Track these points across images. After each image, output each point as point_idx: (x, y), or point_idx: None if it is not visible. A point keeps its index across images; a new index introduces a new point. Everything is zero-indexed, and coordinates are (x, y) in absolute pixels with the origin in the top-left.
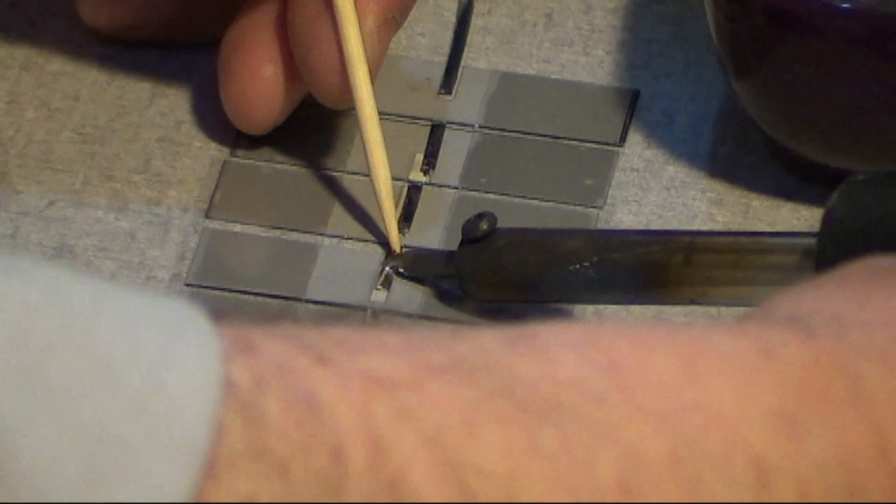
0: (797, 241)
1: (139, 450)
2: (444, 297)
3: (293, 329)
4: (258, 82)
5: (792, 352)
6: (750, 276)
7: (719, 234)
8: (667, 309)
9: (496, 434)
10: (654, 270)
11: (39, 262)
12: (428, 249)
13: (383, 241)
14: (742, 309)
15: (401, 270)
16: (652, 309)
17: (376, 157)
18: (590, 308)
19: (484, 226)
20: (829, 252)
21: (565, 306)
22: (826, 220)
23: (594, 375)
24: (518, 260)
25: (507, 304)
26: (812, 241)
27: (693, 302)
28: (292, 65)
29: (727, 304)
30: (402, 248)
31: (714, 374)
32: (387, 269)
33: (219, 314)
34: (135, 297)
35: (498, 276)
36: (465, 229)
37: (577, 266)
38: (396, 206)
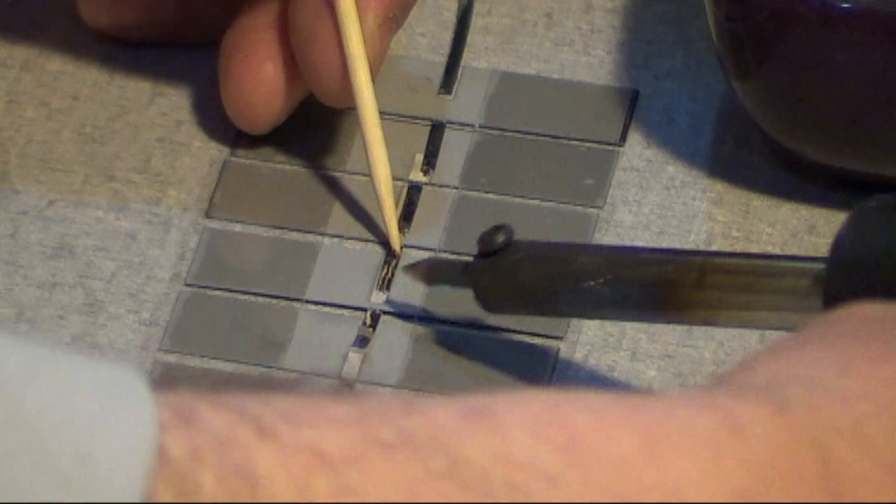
0: (807, 265)
1: None
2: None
3: (239, 399)
4: (258, 82)
5: (761, 428)
6: (760, 299)
7: (731, 255)
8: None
9: None
10: (666, 290)
11: None
12: (445, 259)
13: (383, 241)
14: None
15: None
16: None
17: (376, 156)
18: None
19: (500, 238)
20: (837, 279)
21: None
22: (835, 247)
23: (549, 455)
24: (533, 275)
25: (523, 315)
26: (822, 266)
27: (705, 323)
28: (293, 64)
29: (737, 327)
30: (401, 247)
31: (677, 452)
32: (388, 269)
33: (165, 382)
34: (71, 364)
35: (513, 290)
36: (481, 241)
37: (591, 283)
38: (396, 205)
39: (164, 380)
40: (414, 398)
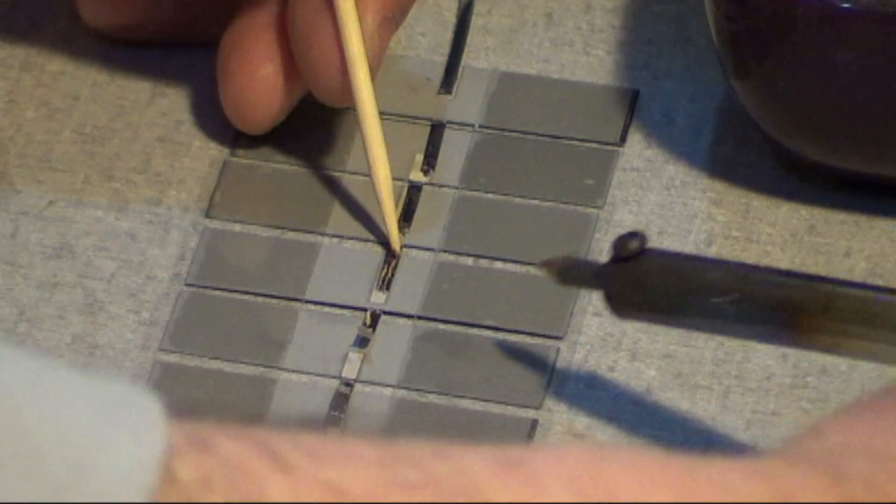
0: None
1: None
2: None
3: (260, 431)
4: (257, 82)
5: (811, 499)
6: (885, 334)
7: (860, 286)
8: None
9: None
10: (792, 315)
11: None
12: (579, 260)
13: (383, 241)
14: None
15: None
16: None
17: (376, 156)
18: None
19: (634, 245)
20: None
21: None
22: None
23: None
24: (663, 285)
25: (651, 324)
26: None
27: (828, 351)
28: (291, 64)
29: (860, 359)
30: (401, 247)
31: None
32: (388, 269)
33: (182, 410)
34: (77, 381)
35: (642, 298)
36: (615, 246)
37: (719, 300)
38: (396, 205)
39: (165, 381)
40: (447, 445)
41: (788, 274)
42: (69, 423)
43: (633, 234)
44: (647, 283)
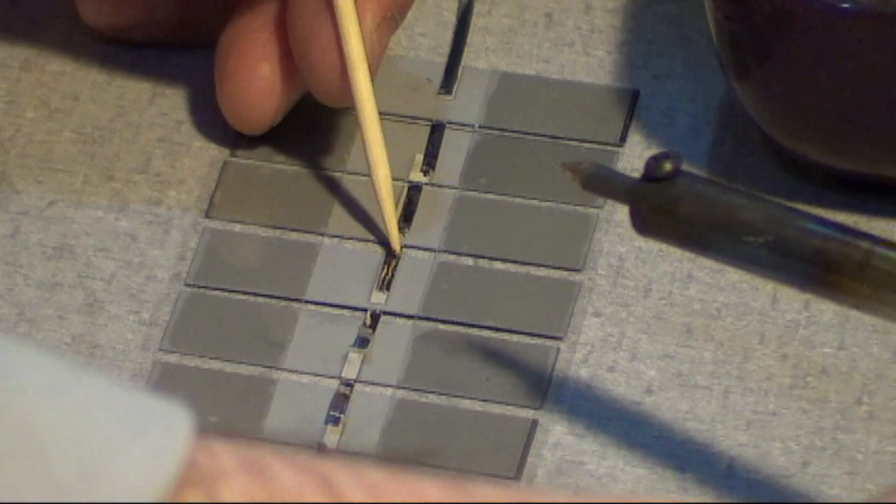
0: None
1: None
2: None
3: (322, 463)
4: (254, 82)
5: None
6: None
7: None
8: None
9: None
10: (825, 268)
11: (9, 340)
12: (610, 170)
13: (383, 241)
14: None
15: None
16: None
17: (376, 156)
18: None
19: (667, 166)
20: None
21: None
22: None
23: None
24: (693, 215)
25: (673, 247)
26: None
27: (856, 308)
28: (289, 64)
29: (889, 320)
30: (402, 248)
31: None
32: (387, 270)
33: (240, 433)
34: (104, 389)
35: (670, 223)
36: (648, 164)
37: (751, 239)
38: (396, 205)
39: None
40: (512, 488)
41: (827, 224)
42: (81, 428)
43: (667, 155)
44: (676, 208)
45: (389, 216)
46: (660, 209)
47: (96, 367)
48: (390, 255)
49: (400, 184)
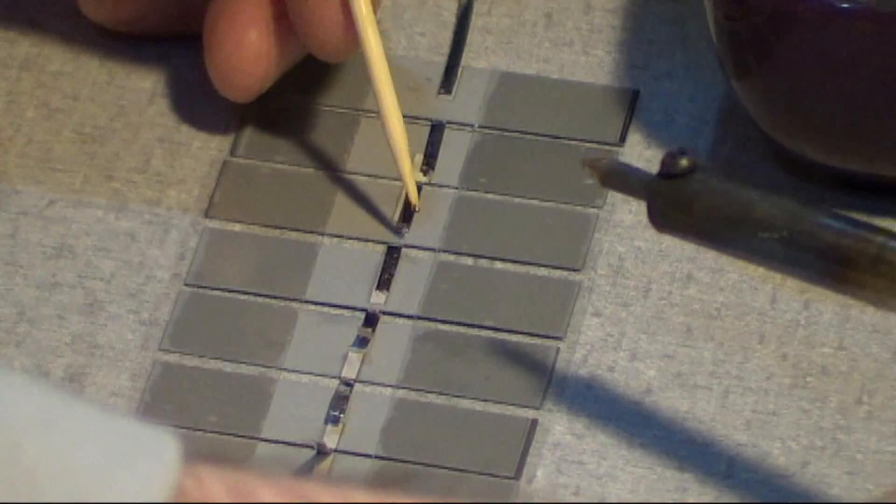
0: None
1: None
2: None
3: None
4: (242, 48)
5: None
6: None
7: None
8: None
9: None
10: (839, 263)
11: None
12: (628, 166)
13: (383, 241)
14: None
15: None
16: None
17: (390, 112)
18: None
19: (684, 163)
20: None
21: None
22: None
23: None
24: (709, 211)
25: (691, 243)
26: None
27: (871, 304)
28: (277, 30)
29: None
30: (419, 203)
31: None
32: (390, 266)
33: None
34: (93, 419)
35: (686, 219)
36: (665, 160)
37: (766, 235)
38: (397, 202)
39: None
40: None
41: (841, 219)
42: (70, 459)
43: (683, 151)
44: (693, 205)
45: (406, 171)
46: (677, 205)
47: (85, 395)
48: (391, 254)
49: (399, 183)
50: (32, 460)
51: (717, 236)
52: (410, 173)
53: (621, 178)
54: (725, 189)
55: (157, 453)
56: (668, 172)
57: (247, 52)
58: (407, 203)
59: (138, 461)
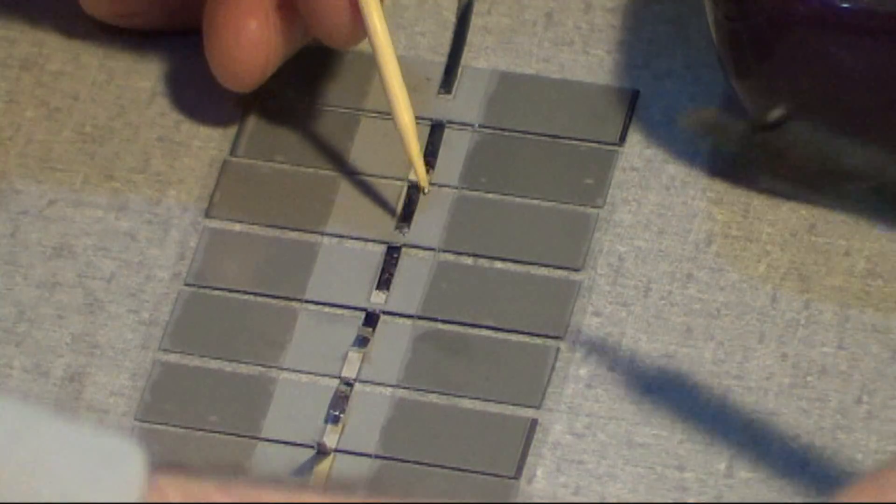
0: None
1: None
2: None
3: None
4: (242, 38)
5: None
6: None
7: None
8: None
9: None
10: None
11: None
12: (724, 118)
13: (383, 241)
14: None
15: None
16: None
17: (398, 98)
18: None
19: (777, 113)
20: None
21: None
22: None
23: None
24: (804, 160)
25: (783, 191)
26: None
27: None
28: (277, 20)
29: None
30: (428, 187)
31: None
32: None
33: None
34: (61, 432)
35: (779, 170)
36: (755, 113)
37: (855, 185)
38: (396, 203)
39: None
40: None
41: None
42: (38, 477)
43: (773, 101)
44: (788, 154)
45: (414, 152)
46: (771, 156)
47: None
48: (392, 252)
49: (399, 183)
50: (8, 478)
51: (810, 186)
52: (419, 154)
53: (718, 130)
54: (819, 139)
55: (123, 469)
56: (763, 123)
57: (247, 42)
58: (404, 209)
59: (105, 477)
